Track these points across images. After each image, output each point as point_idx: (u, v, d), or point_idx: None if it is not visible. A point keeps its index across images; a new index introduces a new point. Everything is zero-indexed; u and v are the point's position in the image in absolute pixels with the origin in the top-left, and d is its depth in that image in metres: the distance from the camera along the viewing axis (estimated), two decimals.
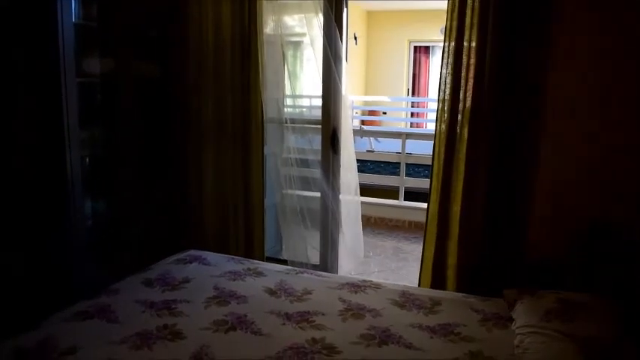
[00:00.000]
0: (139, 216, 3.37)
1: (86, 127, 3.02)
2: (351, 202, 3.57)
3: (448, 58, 2.63)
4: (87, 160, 3.16)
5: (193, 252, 2.72)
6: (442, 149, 2.70)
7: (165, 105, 3.53)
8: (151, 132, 3.47)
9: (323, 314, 2.07)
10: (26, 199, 2.76)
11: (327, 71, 3.28)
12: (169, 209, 3.60)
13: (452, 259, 2.73)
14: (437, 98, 2.71)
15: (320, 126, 3.44)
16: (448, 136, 2.68)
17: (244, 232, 3.48)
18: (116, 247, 3.30)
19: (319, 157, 3.51)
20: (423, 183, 6.06)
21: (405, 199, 5.65)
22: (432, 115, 10.01)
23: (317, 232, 3.62)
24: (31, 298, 2.61)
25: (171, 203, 3.59)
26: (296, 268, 2.61)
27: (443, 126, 2.70)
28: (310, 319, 2.02)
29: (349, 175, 3.50)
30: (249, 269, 2.49)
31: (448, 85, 2.65)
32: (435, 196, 2.76)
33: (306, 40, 3.98)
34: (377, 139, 7.92)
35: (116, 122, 3.23)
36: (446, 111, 2.67)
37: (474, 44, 2.55)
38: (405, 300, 2.25)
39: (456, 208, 2.68)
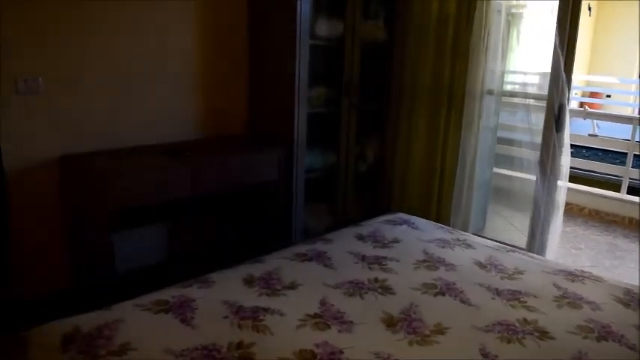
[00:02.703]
0: (351, 172, 3.53)
1: (312, 86, 3.23)
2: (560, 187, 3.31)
3: None
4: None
5: (402, 215, 2.77)
6: None
7: (384, 68, 3.62)
8: (369, 93, 3.59)
9: (535, 296, 1.97)
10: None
11: (558, 44, 3.03)
12: (378, 168, 3.72)
13: None
14: None
15: (541, 103, 3.22)
16: None
17: (448, 203, 3.45)
18: (328, 198, 3.52)
19: (535, 138, 3.30)
20: None
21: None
22: None
23: (525, 215, 3.45)
24: (258, 235, 2.94)
25: (380, 163, 3.71)
26: (506, 246, 2.51)
27: None
28: (521, 299, 1.94)
29: (562, 159, 3.25)
30: (458, 239, 2.46)
31: None
32: None
33: (526, 11, 3.74)
34: (596, 124, 7.19)
35: (339, 82, 3.39)
36: None
37: None
38: (629, 299, 2.04)
39: None
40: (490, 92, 3.45)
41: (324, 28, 3.20)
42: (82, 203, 2.52)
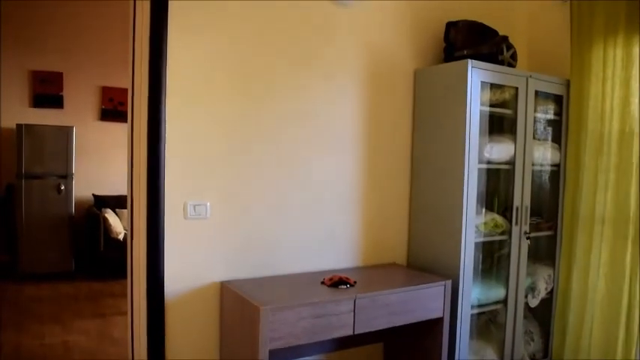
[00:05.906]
0: (520, 307, 3.14)
1: (479, 212, 2.99)
2: None
3: None
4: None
5: None
6: None
7: (557, 191, 3.30)
8: (541, 219, 3.29)
9: None
10: None
11: None
12: (550, 303, 3.32)
13: None
14: None
15: None
16: None
17: (637, 352, 2.91)
18: (494, 336, 3.15)
19: None
20: None
21: None
22: None
23: None
24: None
25: (553, 298, 3.30)
26: None
27: None
28: None
29: None
30: None
31: None
32: None
33: None
34: None
35: (509, 207, 3.12)
36: None
37: None
38: None
39: None
40: None
41: (492, 151, 2.99)
42: (238, 333, 2.42)
